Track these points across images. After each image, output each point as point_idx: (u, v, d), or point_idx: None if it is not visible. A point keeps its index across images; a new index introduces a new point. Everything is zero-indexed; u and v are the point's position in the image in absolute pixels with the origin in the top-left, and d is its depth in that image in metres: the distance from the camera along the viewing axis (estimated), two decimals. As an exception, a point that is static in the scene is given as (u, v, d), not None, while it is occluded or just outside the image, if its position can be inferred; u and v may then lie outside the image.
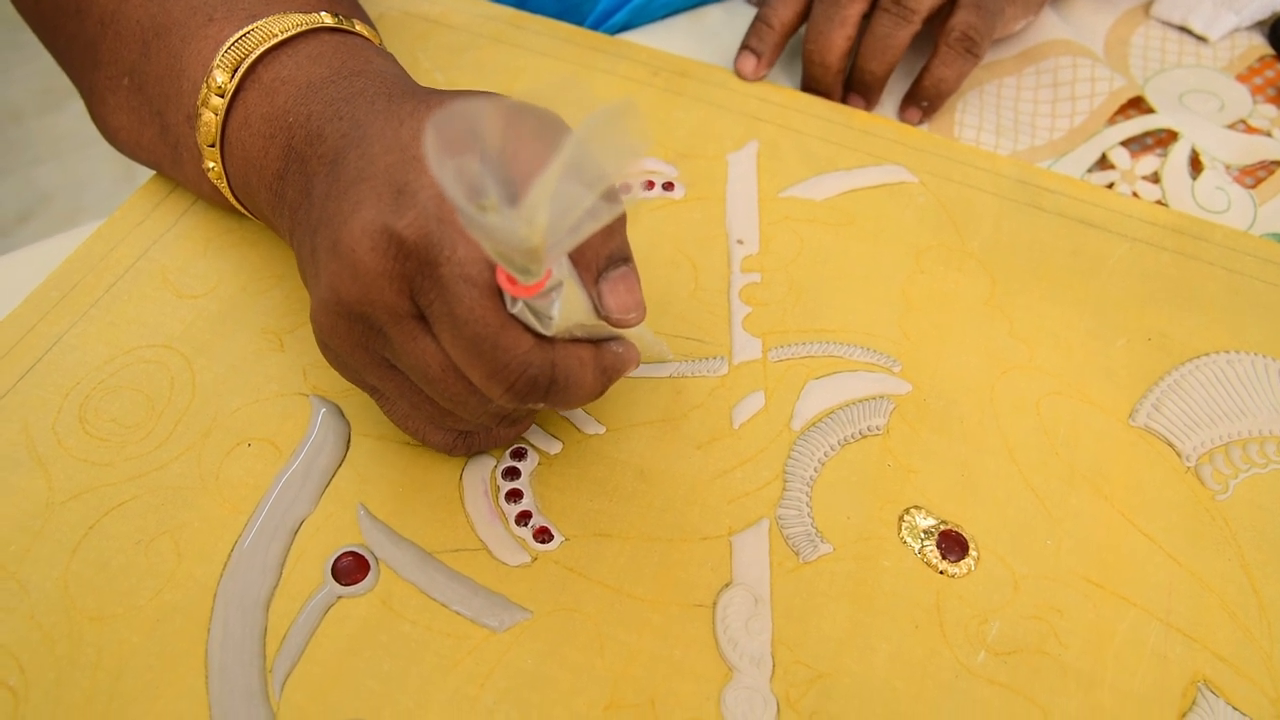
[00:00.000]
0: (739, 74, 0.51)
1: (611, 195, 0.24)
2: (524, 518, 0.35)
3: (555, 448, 0.37)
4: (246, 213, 0.40)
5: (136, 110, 0.40)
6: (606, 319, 0.30)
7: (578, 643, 0.32)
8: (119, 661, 0.31)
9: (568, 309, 0.28)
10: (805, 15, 0.50)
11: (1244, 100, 0.54)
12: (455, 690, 0.31)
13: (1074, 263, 0.44)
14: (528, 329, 0.28)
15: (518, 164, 0.25)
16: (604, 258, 0.30)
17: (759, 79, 0.51)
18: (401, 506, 0.35)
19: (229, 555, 0.33)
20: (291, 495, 0.35)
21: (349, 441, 0.36)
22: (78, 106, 1.51)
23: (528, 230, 0.23)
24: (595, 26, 0.56)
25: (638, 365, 0.34)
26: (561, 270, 0.28)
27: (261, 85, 0.36)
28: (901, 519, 0.36)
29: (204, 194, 0.41)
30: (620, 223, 0.31)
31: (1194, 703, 0.33)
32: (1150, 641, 0.34)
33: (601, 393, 0.32)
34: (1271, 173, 0.50)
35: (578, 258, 0.30)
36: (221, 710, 0.30)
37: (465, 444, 0.35)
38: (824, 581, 0.34)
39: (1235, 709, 0.33)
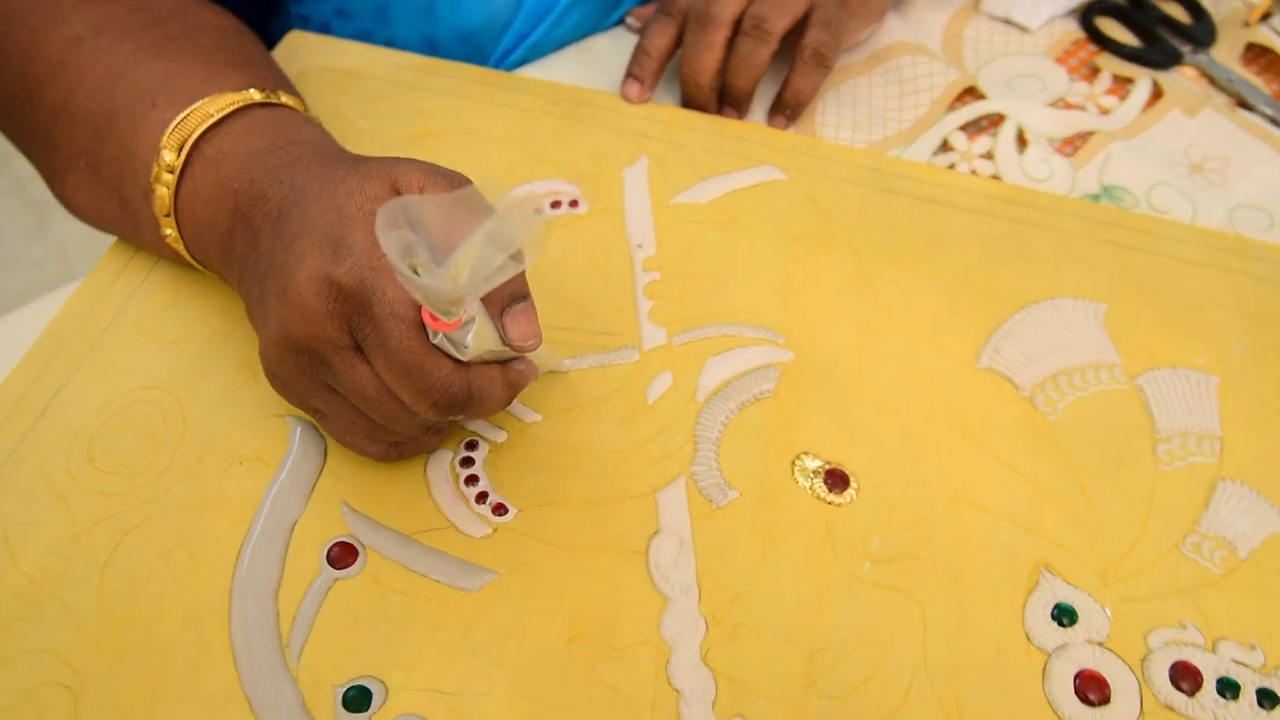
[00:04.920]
0: (626, 98, 0.58)
1: (517, 256, 0.31)
2: (482, 497, 0.42)
3: (501, 436, 0.44)
4: (201, 268, 0.45)
5: (95, 188, 0.45)
6: (510, 346, 0.37)
7: (539, 592, 0.39)
8: (158, 654, 0.37)
9: (479, 339, 0.35)
10: (679, 42, 0.57)
11: (1062, 80, 0.62)
12: (443, 642, 0.38)
13: (924, 236, 0.52)
14: (447, 355, 0.35)
15: (443, 236, 0.32)
16: (507, 295, 0.37)
17: (644, 101, 0.58)
18: (378, 499, 0.41)
19: (238, 557, 0.40)
20: (284, 501, 0.41)
21: (326, 451, 0.43)
22: None
23: (453, 286, 0.30)
24: (497, 65, 0.62)
25: (537, 378, 0.41)
26: (474, 308, 0.34)
27: (205, 159, 0.41)
28: (793, 464, 0.43)
29: (164, 255, 0.46)
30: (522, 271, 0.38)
31: (1037, 583, 0.41)
32: (1001, 540, 0.42)
33: (509, 402, 0.39)
34: (1086, 141, 0.59)
35: (486, 297, 0.36)
36: (251, 681, 0.37)
37: (397, 452, 0.41)
38: (735, 521, 0.42)
39: (1069, 584, 0.41)
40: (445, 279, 0.29)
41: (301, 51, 0.59)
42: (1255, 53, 0.65)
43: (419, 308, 0.34)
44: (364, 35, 0.62)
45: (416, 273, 0.30)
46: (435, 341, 0.34)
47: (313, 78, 0.58)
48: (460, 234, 0.29)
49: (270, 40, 0.58)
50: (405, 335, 0.34)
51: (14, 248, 1.47)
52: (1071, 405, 0.46)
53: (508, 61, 0.62)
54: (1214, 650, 0.40)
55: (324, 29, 0.62)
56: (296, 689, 0.37)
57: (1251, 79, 0.63)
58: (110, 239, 0.49)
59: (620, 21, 0.65)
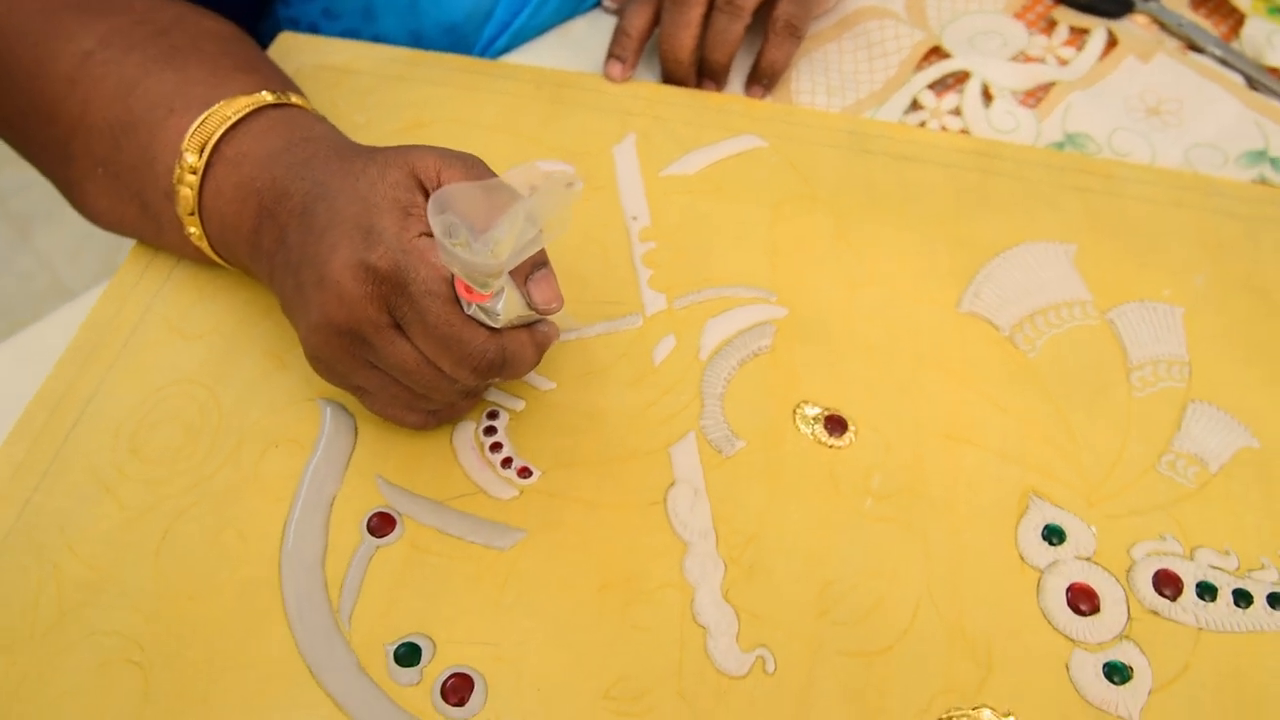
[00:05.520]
0: (609, 78, 0.60)
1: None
2: (507, 462, 0.44)
3: (520, 405, 0.46)
4: (225, 265, 0.47)
5: (115, 194, 0.47)
6: (535, 309, 0.40)
7: (567, 546, 0.42)
8: (217, 626, 0.40)
9: (509, 306, 0.38)
10: (656, 21, 0.60)
11: (1021, 34, 0.65)
12: (482, 597, 0.41)
13: (900, 193, 0.55)
14: (481, 324, 0.38)
15: (481, 217, 0.34)
16: (530, 264, 0.40)
17: (626, 80, 0.60)
18: (410, 471, 0.44)
19: (283, 533, 0.42)
20: (321, 478, 0.44)
21: (356, 429, 0.45)
22: None
23: (495, 260, 0.33)
24: (482, 54, 0.64)
25: (560, 337, 0.44)
26: (502, 279, 0.37)
27: (226, 160, 0.44)
28: (794, 412, 0.46)
29: (187, 255, 0.48)
30: None
31: (1027, 508, 0.44)
32: (991, 471, 0.45)
33: (538, 362, 0.42)
34: (1048, 92, 0.62)
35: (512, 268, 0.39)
36: (307, 645, 0.39)
37: (435, 419, 0.44)
38: (744, 468, 0.45)
39: (1057, 507, 0.44)
40: (487, 254, 0.33)
41: (293, 52, 0.61)
42: (1204, -3, 0.68)
43: (451, 284, 0.37)
44: (351, 34, 0.64)
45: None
46: (470, 313, 0.37)
47: (306, 76, 0.60)
48: (495, 215, 0.32)
49: (259, 43, 0.60)
50: (442, 310, 0.37)
51: (-2, 261, 1.48)
52: (1049, 342, 0.50)
53: (492, 50, 0.64)
54: (1192, 558, 0.43)
55: (312, 29, 0.64)
56: (349, 649, 0.39)
57: (1200, 22, 0.66)
58: (101, 246, 0.51)
59: (598, 4, 0.67)
